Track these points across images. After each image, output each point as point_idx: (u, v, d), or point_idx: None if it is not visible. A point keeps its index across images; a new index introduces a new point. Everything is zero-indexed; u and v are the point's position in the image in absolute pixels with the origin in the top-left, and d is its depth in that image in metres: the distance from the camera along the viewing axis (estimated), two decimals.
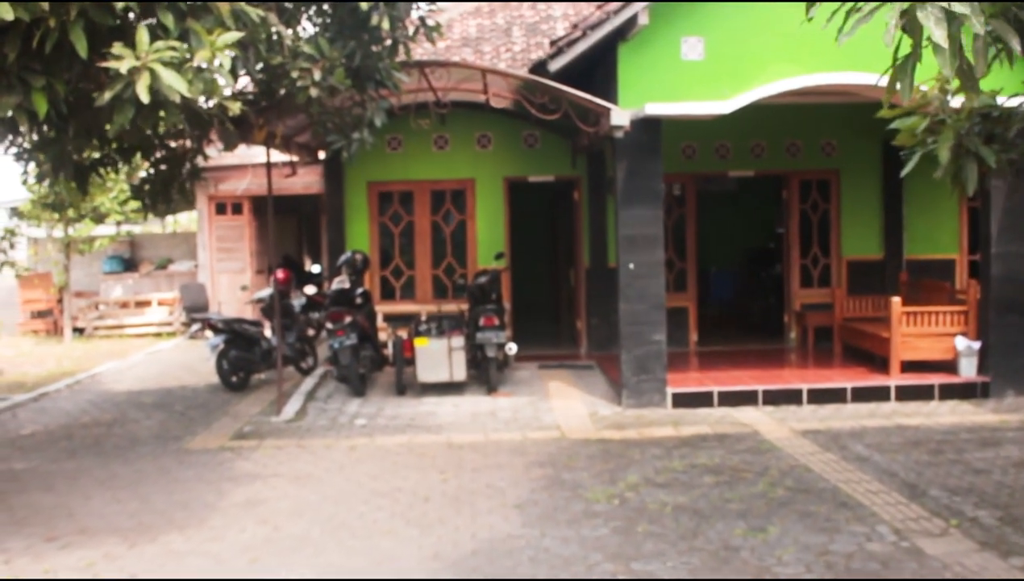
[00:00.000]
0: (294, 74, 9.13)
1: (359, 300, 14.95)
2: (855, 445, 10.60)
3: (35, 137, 8.90)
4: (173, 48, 6.39)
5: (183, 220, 38.01)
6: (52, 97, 6.82)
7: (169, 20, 6.56)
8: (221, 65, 6.64)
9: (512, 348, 14.44)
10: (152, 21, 6.74)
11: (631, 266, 12.77)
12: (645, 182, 12.74)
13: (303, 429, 12.26)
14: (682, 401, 12.87)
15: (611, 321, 13.36)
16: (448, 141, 17.25)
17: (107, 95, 6.23)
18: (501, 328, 14.07)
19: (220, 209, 22.77)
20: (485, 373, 14.08)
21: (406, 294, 17.60)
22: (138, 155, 11.65)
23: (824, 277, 17.28)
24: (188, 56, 6.52)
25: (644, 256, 12.79)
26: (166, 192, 12.09)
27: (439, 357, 13.77)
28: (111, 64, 6.11)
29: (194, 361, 18.26)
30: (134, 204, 21.23)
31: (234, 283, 21.72)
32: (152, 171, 12.13)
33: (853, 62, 12.33)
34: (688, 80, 12.66)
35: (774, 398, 12.91)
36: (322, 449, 11.15)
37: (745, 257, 22.21)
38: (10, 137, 9.20)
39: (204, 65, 6.55)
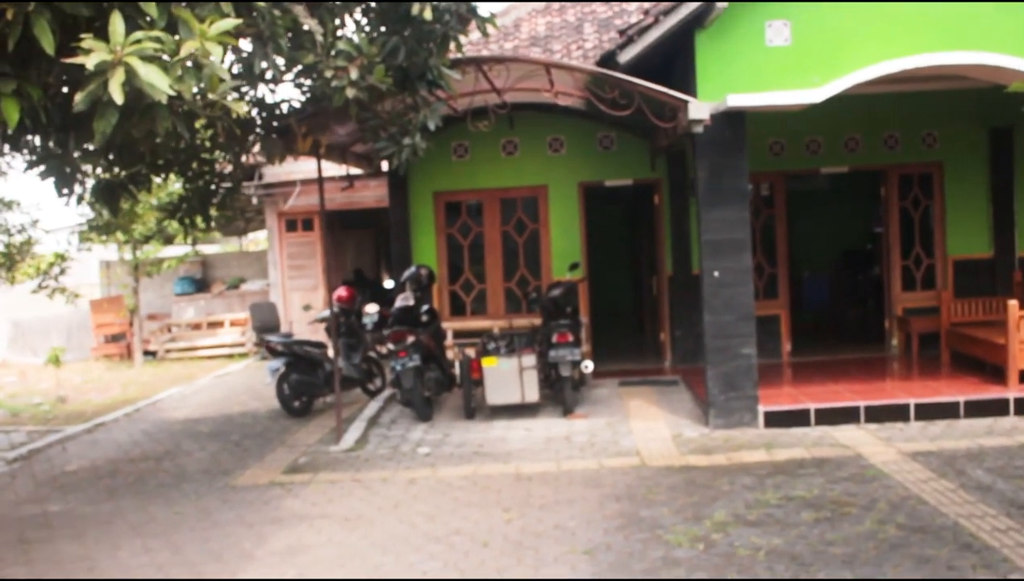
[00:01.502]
0: (328, 73, 8.16)
1: (425, 318, 14.04)
2: (974, 470, 9.35)
3: (37, 150, 7.99)
4: (157, 39, 5.40)
5: (261, 238, 37.49)
6: (29, 104, 5.89)
7: (152, 8, 5.57)
8: (220, 60, 5.64)
9: (588, 366, 13.32)
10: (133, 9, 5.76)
11: (716, 274, 11.68)
12: (729, 181, 11.64)
13: (361, 459, 11.33)
14: (775, 420, 11.71)
15: (696, 332, 12.32)
16: (517, 146, 16.30)
17: (78, 97, 5.25)
18: (576, 344, 13.02)
19: (291, 226, 22.10)
20: (560, 393, 13.07)
21: (477, 309, 16.69)
22: (173, 172, 10.81)
23: (928, 279, 16.02)
24: (178, 49, 5.54)
25: (730, 262, 11.69)
26: (203, 210, 11.21)
27: (509, 377, 12.81)
28: (79, 60, 5.13)
29: (260, 385, 17.44)
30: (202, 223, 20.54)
31: (308, 300, 20.99)
32: (189, 188, 11.25)
33: (962, 40, 11.19)
34: (773, 68, 11.52)
35: (877, 414, 11.68)
36: (379, 483, 10.21)
37: (840, 260, 21.04)
38: (8, 149, 8.36)
39: (198, 59, 5.56)
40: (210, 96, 6.00)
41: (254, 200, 22.08)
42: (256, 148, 10.67)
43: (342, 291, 15.14)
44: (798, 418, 11.71)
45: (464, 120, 12.71)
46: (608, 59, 12.09)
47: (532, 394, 12.89)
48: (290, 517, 9.15)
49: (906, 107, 15.37)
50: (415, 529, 8.52)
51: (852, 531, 7.74)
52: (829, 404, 11.80)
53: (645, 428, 11.94)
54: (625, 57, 11.64)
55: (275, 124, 10.42)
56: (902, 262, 16.02)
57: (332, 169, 15.41)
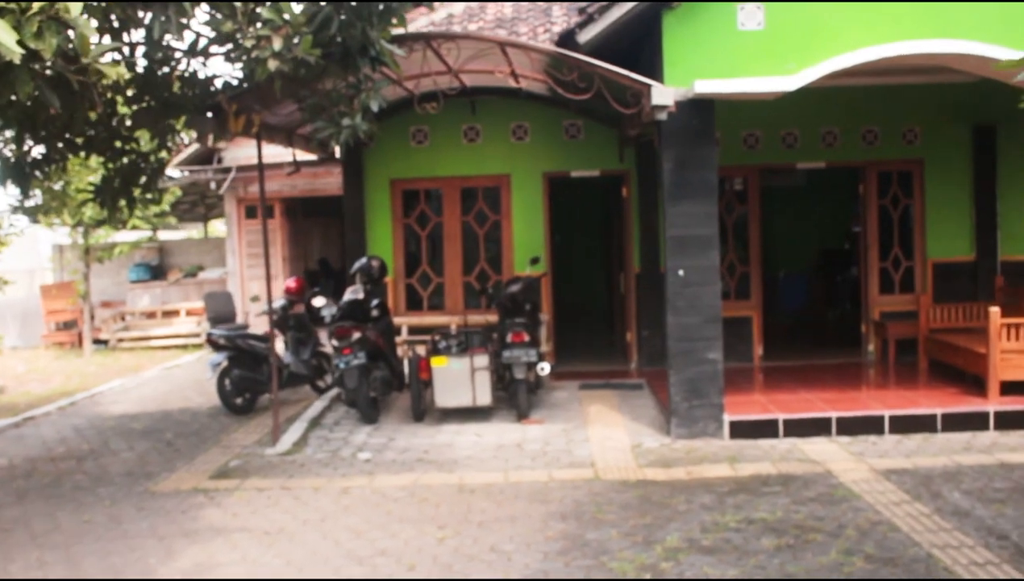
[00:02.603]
0: (248, 43, 7.36)
1: (375, 312, 13.22)
2: (950, 492, 8.59)
3: None
4: None
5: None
6: None
7: None
8: (80, 15, 4.83)
9: (545, 368, 12.59)
10: None
11: (680, 272, 10.94)
12: (697, 173, 10.88)
13: (296, 464, 10.56)
14: (742, 430, 10.97)
15: (664, 333, 11.62)
16: (480, 133, 15.51)
17: None
18: (533, 344, 12.30)
19: (250, 213, 21.34)
20: (514, 397, 12.29)
21: (434, 304, 15.90)
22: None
23: (907, 282, 15.32)
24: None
25: (696, 260, 10.95)
26: (127, 193, 10.38)
27: (460, 379, 12.04)
28: None
29: (208, 380, 16.58)
30: (155, 208, 19.73)
31: (264, 291, 20.25)
32: (111, 169, 10.42)
33: (946, 28, 10.50)
34: (745, 53, 10.75)
35: (850, 427, 10.94)
36: (310, 492, 9.43)
37: (817, 259, 20.39)
38: None
39: (59, 15, 4.76)
40: (83, 60, 5.19)
41: (212, 185, 21.31)
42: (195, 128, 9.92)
43: (291, 282, 14.40)
44: (766, 429, 10.97)
45: (418, 102, 11.95)
46: (568, 39, 11.34)
47: (484, 397, 12.14)
48: (206, 530, 8.36)
49: (886, 101, 14.69)
50: (339, 547, 7.76)
51: (815, 562, 6.99)
52: (799, 415, 11.06)
53: (603, 436, 11.18)
54: (585, 37, 10.89)
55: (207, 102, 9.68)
56: (880, 264, 15.34)
57: (289, 155, 14.64)
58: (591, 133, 15.42)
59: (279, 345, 14.22)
